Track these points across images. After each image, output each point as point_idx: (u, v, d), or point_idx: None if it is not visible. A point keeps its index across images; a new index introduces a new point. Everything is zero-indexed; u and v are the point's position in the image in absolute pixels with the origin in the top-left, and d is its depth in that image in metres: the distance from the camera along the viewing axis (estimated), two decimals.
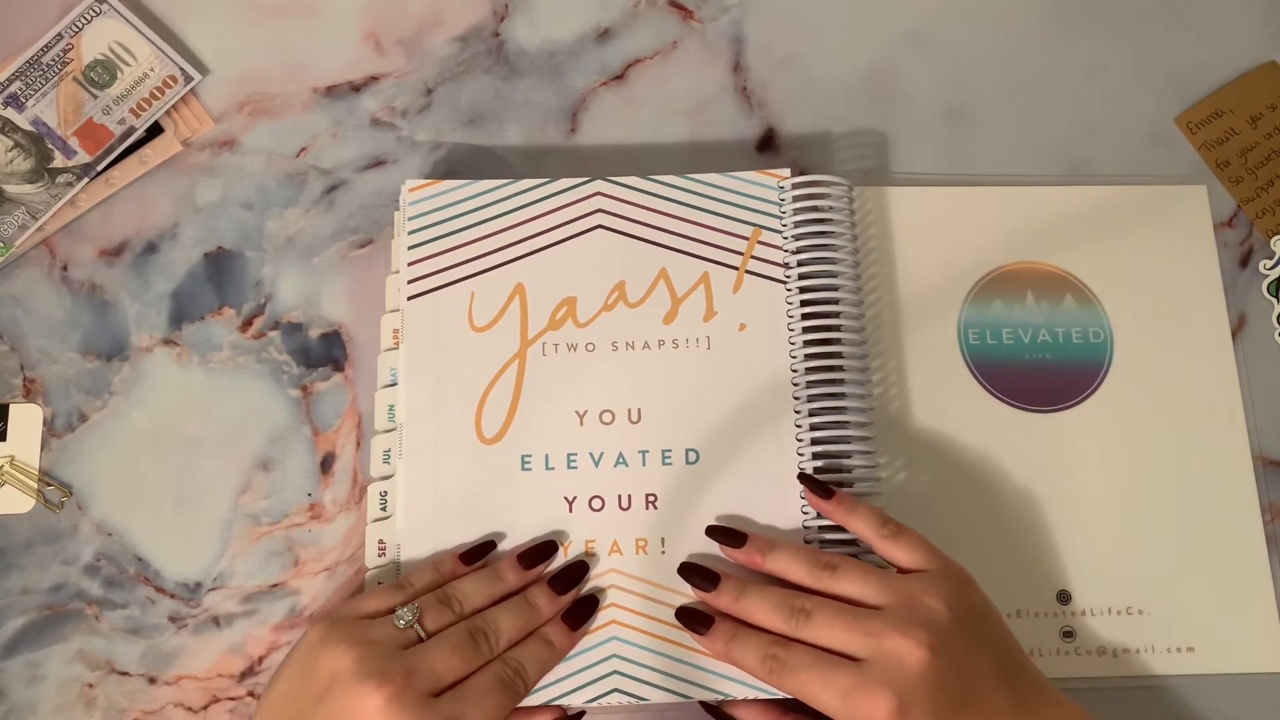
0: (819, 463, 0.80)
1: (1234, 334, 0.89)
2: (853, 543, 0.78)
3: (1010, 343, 0.88)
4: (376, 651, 0.70)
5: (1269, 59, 0.96)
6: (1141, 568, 0.84)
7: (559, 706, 0.76)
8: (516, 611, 0.76)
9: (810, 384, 0.81)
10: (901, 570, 0.75)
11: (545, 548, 0.79)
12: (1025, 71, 0.96)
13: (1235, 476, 0.87)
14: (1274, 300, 0.90)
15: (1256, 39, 0.97)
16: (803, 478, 0.79)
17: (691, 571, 0.77)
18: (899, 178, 0.92)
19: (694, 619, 0.76)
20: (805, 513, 0.79)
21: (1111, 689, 0.81)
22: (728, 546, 0.77)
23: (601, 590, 0.78)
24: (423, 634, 0.72)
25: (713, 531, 0.78)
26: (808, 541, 0.78)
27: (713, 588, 0.76)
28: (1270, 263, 0.91)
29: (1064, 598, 0.84)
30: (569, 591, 0.78)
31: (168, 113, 0.91)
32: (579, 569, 0.78)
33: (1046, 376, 0.88)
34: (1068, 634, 0.83)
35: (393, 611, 0.73)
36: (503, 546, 0.79)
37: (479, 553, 0.78)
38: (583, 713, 0.77)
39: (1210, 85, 0.96)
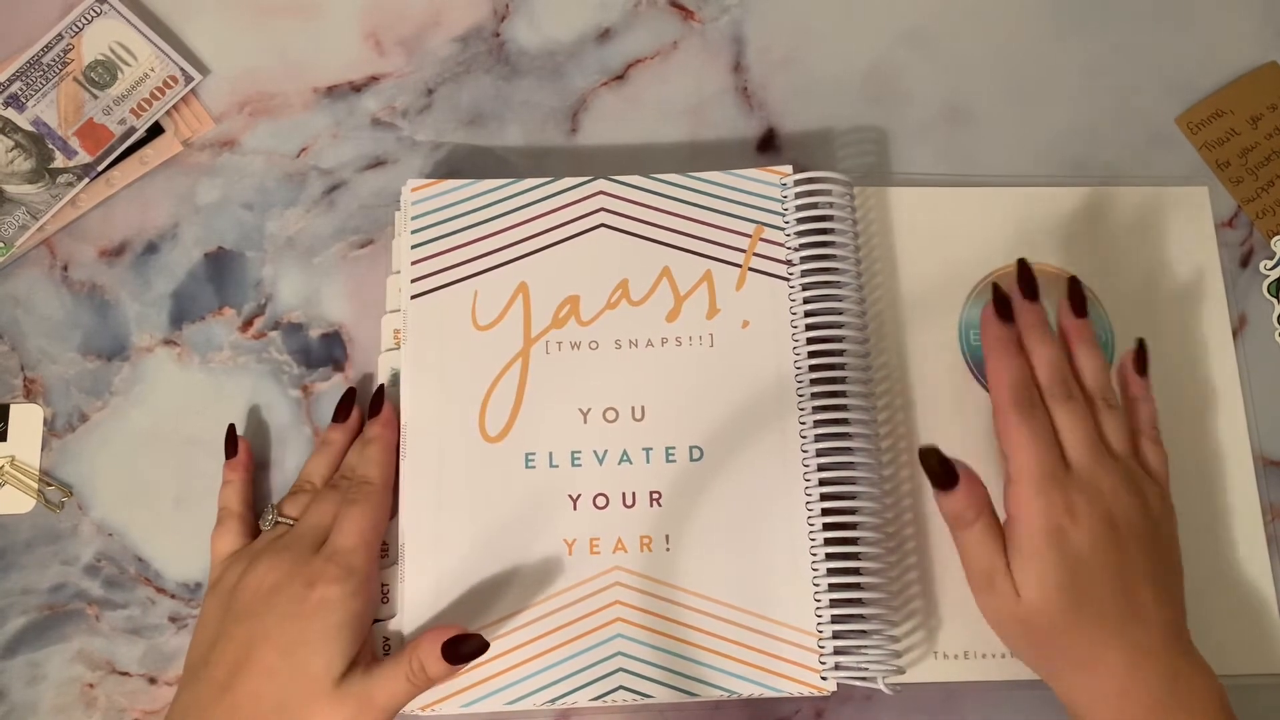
0: (822, 459, 0.80)
1: (1234, 334, 0.89)
2: (856, 555, 0.78)
3: None
4: (255, 559, 0.76)
5: (1269, 59, 0.96)
6: None
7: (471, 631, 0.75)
8: (362, 446, 0.82)
9: (814, 381, 0.81)
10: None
11: (346, 397, 0.85)
12: (1025, 71, 0.96)
13: (1235, 476, 0.87)
14: (1274, 300, 0.90)
15: (1256, 39, 0.97)
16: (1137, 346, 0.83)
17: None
18: (899, 178, 0.92)
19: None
20: (809, 509, 0.79)
21: None
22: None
23: (604, 587, 0.78)
24: (291, 521, 0.79)
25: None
26: (812, 538, 0.79)
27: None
28: (1271, 263, 0.91)
29: None
30: (380, 406, 0.83)
31: (168, 113, 0.91)
32: (350, 392, 0.85)
33: None
34: None
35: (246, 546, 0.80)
36: (506, 544, 0.79)
37: (232, 445, 0.84)
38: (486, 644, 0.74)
39: (1210, 85, 0.96)
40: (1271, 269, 0.91)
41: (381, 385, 0.84)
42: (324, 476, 0.82)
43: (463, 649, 0.72)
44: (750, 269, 0.83)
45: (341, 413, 0.84)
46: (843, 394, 0.81)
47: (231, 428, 0.84)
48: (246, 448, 0.84)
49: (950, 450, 0.84)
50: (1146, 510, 0.75)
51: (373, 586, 0.75)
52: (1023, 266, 0.81)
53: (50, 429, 0.86)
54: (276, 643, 0.71)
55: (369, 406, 0.83)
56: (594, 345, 0.82)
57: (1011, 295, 0.80)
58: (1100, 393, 0.79)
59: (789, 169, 0.85)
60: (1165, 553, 0.76)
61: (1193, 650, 0.74)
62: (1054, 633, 0.72)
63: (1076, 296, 0.81)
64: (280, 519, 0.79)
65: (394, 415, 0.82)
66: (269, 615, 0.72)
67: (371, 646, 0.76)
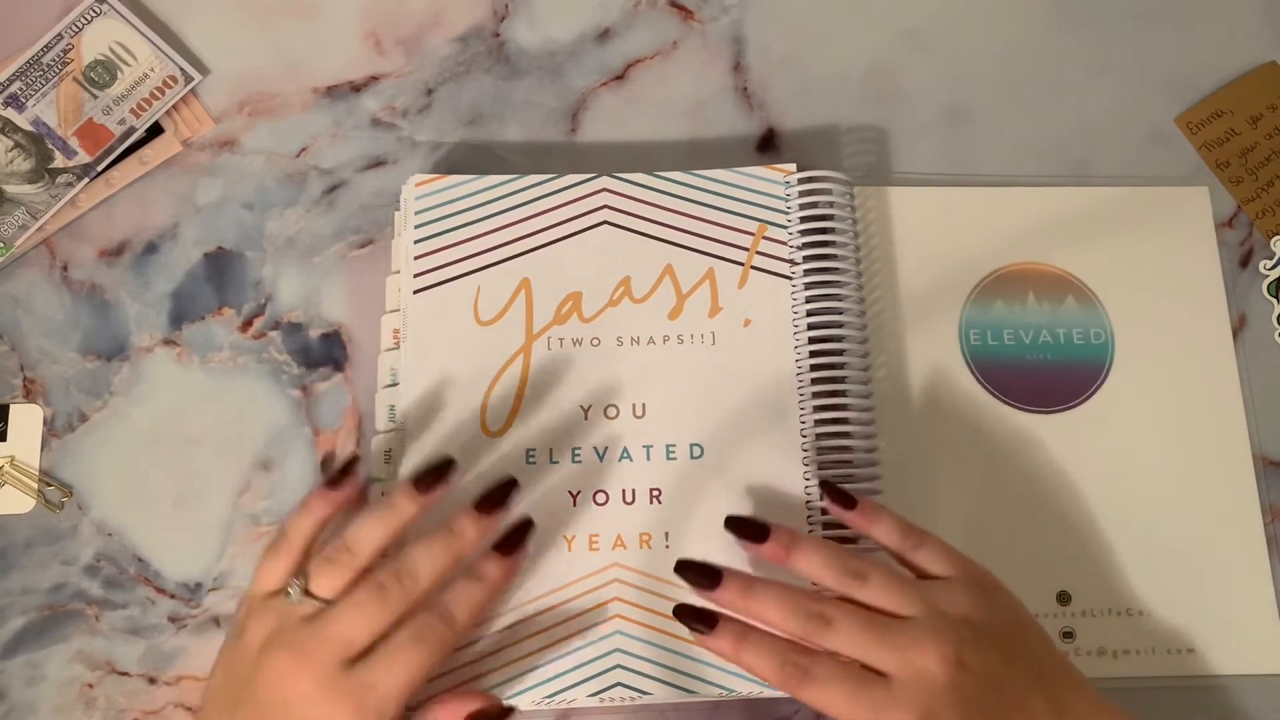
0: (822, 458, 0.80)
1: (1234, 334, 0.90)
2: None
3: (1011, 343, 0.88)
4: (283, 626, 0.68)
5: (1269, 59, 0.96)
6: (1141, 568, 0.85)
7: (492, 695, 0.71)
8: (433, 545, 0.70)
9: (814, 380, 0.81)
10: (926, 577, 0.73)
11: (443, 467, 0.73)
12: (1025, 71, 0.96)
13: (1235, 476, 0.87)
14: (1274, 300, 0.90)
15: (1256, 39, 0.97)
16: (824, 485, 0.77)
17: (689, 568, 0.72)
18: (899, 177, 0.92)
19: (696, 617, 0.71)
20: (809, 508, 0.79)
21: (1111, 690, 0.80)
22: (749, 542, 0.73)
23: (603, 584, 0.78)
24: (322, 600, 0.68)
25: (731, 524, 0.74)
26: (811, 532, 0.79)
27: (715, 585, 0.70)
28: (1270, 263, 0.91)
29: (1064, 598, 0.84)
30: (496, 511, 0.72)
31: (168, 113, 0.91)
32: (507, 485, 0.73)
33: (1047, 377, 0.88)
34: (1067, 634, 0.83)
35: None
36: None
37: (343, 474, 0.73)
38: (511, 710, 0.70)
39: (1210, 85, 0.96)
40: (1271, 269, 0.91)
41: (528, 522, 0.74)
42: (374, 551, 0.71)
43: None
44: (753, 267, 0.83)
45: (425, 483, 0.72)
46: (843, 393, 0.81)
47: (355, 459, 0.74)
48: (357, 486, 0.74)
49: (951, 453, 0.85)
50: (977, 631, 0.69)
51: None
52: (679, 567, 0.72)
53: (50, 429, 0.86)
54: None
55: (503, 543, 0.72)
56: (596, 342, 0.82)
57: (705, 601, 0.72)
58: (840, 577, 0.71)
59: (792, 167, 0.86)
60: (1014, 634, 0.71)
61: (1100, 703, 0.71)
62: None
63: (745, 528, 0.74)
64: (308, 596, 0.69)
65: (520, 562, 0.74)
66: None
67: None
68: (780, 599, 0.70)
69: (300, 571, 0.70)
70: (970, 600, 0.70)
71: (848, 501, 0.75)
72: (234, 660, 0.69)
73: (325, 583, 0.69)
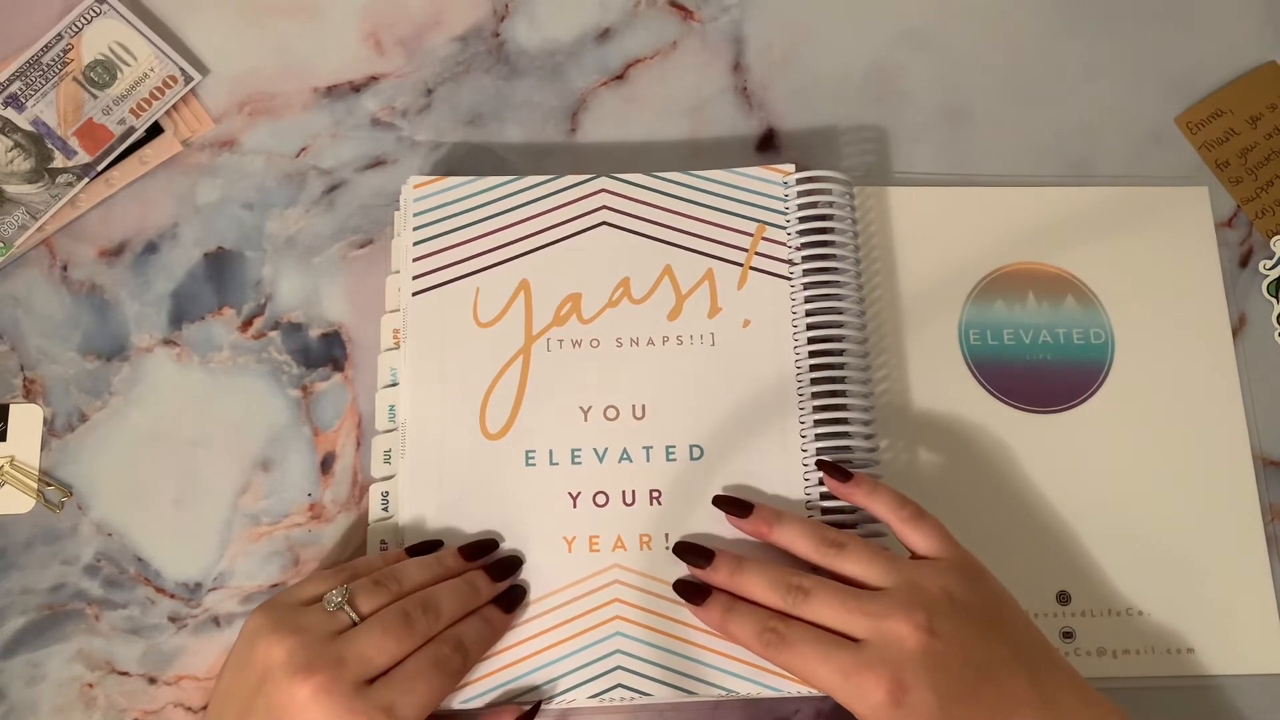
0: (823, 459, 0.79)
1: (1234, 334, 0.89)
2: (853, 526, 0.79)
3: (1011, 343, 0.88)
4: (307, 640, 0.69)
5: (1269, 59, 0.96)
6: (1141, 568, 0.85)
7: (518, 705, 0.76)
8: (457, 590, 0.75)
9: (814, 380, 0.81)
10: (915, 556, 0.75)
11: (487, 544, 0.79)
12: (1025, 71, 0.96)
13: (1235, 476, 0.87)
14: (1274, 300, 0.90)
15: (1256, 39, 0.97)
16: (821, 464, 0.79)
17: (686, 550, 0.77)
18: (899, 177, 0.92)
19: (691, 591, 0.76)
20: (809, 508, 0.79)
21: (1111, 690, 0.80)
22: (734, 516, 0.78)
23: (605, 586, 0.78)
24: (355, 617, 0.71)
25: (719, 501, 0.79)
26: None
27: (708, 564, 0.76)
28: (1270, 263, 0.91)
29: (1064, 598, 0.84)
30: (504, 579, 0.77)
31: (168, 113, 0.91)
32: (513, 561, 0.79)
33: (1047, 377, 0.88)
34: (1067, 634, 0.83)
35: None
36: (505, 542, 0.79)
37: (426, 548, 0.78)
38: (538, 705, 0.76)
39: (1210, 85, 0.96)
40: (1271, 269, 0.91)
41: (525, 590, 0.79)
42: (415, 588, 0.74)
43: None
44: (752, 268, 0.83)
45: (471, 552, 0.78)
46: (843, 393, 0.81)
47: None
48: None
49: (951, 453, 0.85)
50: (953, 604, 0.71)
51: None
52: (678, 549, 0.78)
53: (50, 429, 0.86)
54: None
55: (504, 601, 0.77)
56: (595, 343, 0.82)
57: (694, 575, 0.77)
58: (818, 547, 0.75)
59: (791, 167, 0.85)
60: (995, 616, 0.73)
61: (1092, 699, 0.72)
62: None
63: (731, 505, 0.78)
64: (348, 608, 0.71)
65: (516, 617, 0.78)
66: None
67: None
68: (763, 574, 0.74)
69: (342, 587, 0.72)
70: (951, 579, 0.72)
71: (843, 475, 0.78)
72: (246, 665, 0.70)
73: (366, 600, 0.72)
